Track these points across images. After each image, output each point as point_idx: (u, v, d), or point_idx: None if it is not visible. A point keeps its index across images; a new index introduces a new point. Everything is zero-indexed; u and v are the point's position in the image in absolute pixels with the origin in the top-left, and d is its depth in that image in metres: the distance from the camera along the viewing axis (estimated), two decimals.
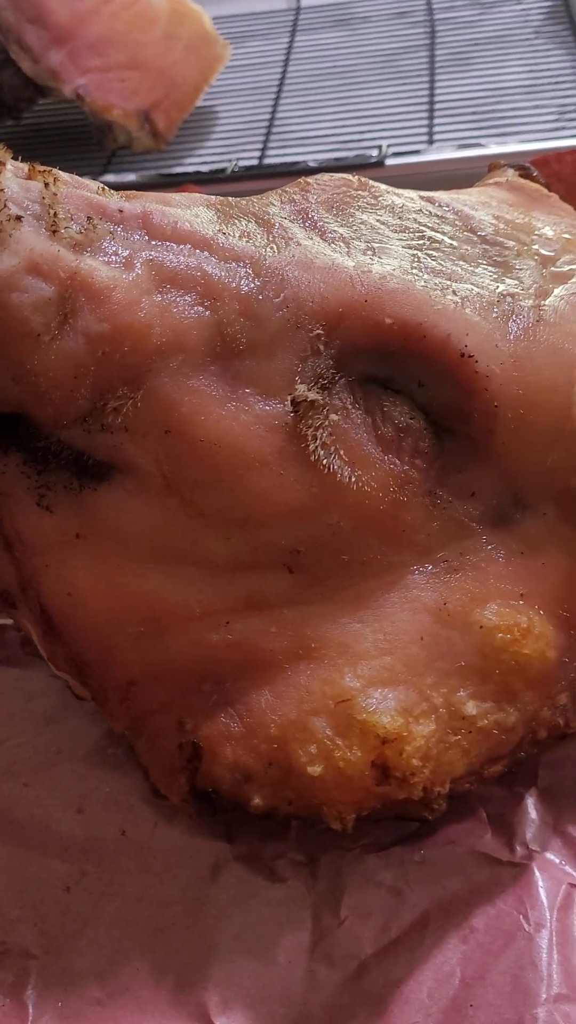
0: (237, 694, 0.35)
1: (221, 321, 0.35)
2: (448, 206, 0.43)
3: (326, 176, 0.42)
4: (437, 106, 0.90)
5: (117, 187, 0.78)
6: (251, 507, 0.34)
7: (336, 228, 0.39)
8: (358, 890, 0.37)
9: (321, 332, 0.35)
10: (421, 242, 0.40)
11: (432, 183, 0.75)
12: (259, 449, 0.34)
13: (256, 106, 0.97)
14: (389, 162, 0.72)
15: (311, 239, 0.38)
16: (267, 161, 0.85)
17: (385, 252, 0.38)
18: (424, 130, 0.87)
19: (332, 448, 0.35)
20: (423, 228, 0.41)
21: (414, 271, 0.37)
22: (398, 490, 0.35)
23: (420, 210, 0.42)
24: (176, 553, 0.35)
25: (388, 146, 0.74)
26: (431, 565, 0.36)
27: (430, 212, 0.42)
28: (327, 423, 0.35)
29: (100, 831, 0.40)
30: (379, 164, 0.72)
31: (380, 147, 0.73)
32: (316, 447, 0.34)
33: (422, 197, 0.43)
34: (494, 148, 0.72)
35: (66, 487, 0.35)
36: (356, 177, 0.43)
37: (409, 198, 0.43)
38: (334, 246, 0.38)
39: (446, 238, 0.41)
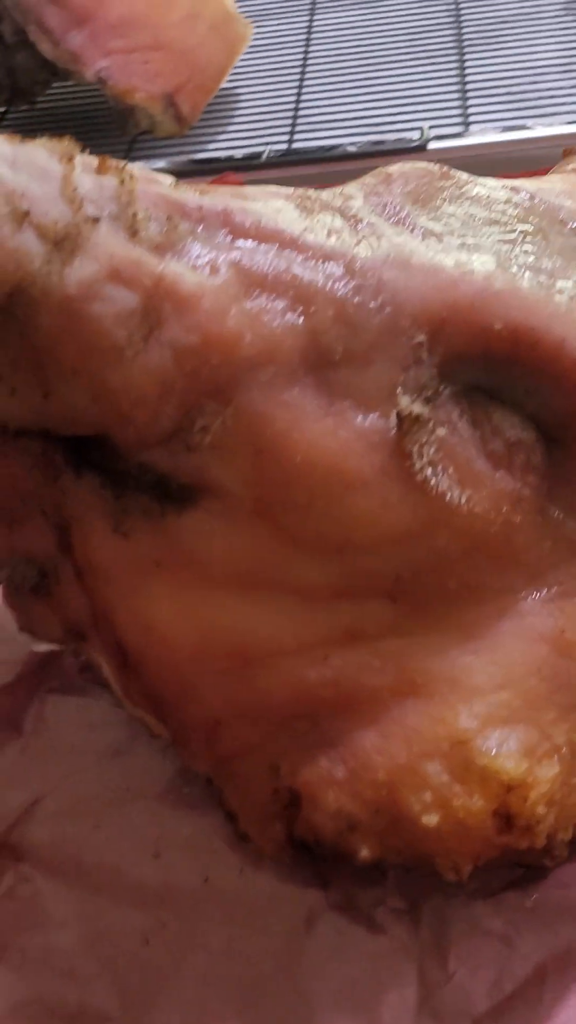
0: (337, 734, 0.32)
1: (315, 328, 0.31)
2: (535, 196, 0.40)
3: (408, 166, 0.39)
4: (469, 86, 0.87)
5: None
6: (351, 531, 0.31)
7: (426, 222, 0.36)
8: (466, 940, 0.34)
9: (423, 339, 0.32)
10: (514, 236, 0.37)
11: (475, 167, 0.72)
12: (359, 468, 0.31)
13: (279, 88, 0.94)
14: (432, 146, 0.69)
15: (401, 235, 0.35)
16: (296, 145, 0.82)
17: (480, 248, 0.35)
18: (458, 111, 0.83)
19: (440, 466, 0.32)
20: (513, 220, 0.38)
21: (514, 269, 0.34)
22: (511, 510, 0.32)
23: (508, 200, 0.39)
24: (267, 582, 0.32)
25: (429, 128, 0.71)
26: (544, 589, 0.33)
27: (517, 203, 0.39)
28: (433, 439, 0.32)
29: (180, 877, 0.37)
30: (421, 148, 0.68)
31: (421, 130, 0.70)
32: (422, 465, 0.31)
33: (506, 186, 0.40)
34: (540, 130, 0.68)
35: (146, 512, 0.32)
36: (438, 166, 0.39)
37: (494, 187, 0.40)
38: (427, 242, 0.35)
39: (538, 231, 0.37)
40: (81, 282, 0.29)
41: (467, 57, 0.91)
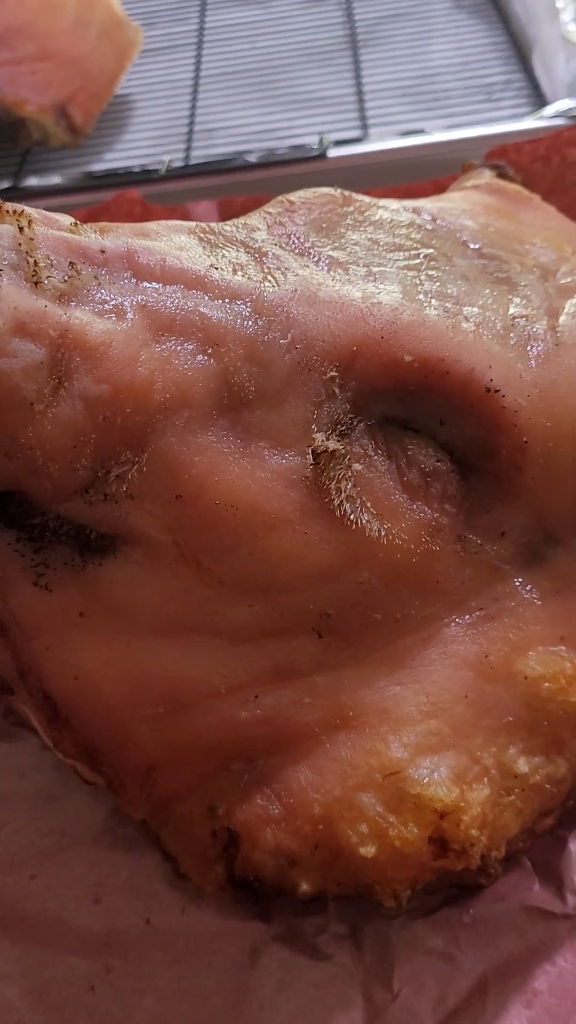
0: (272, 772, 0.32)
1: (227, 369, 0.31)
2: (436, 217, 0.40)
3: (309, 193, 0.39)
4: (365, 87, 0.87)
5: (41, 191, 0.73)
6: (275, 571, 0.32)
7: (330, 252, 0.36)
8: (408, 960, 0.35)
9: (335, 374, 0.32)
10: (418, 261, 0.37)
11: (376, 172, 0.73)
12: (279, 507, 0.31)
13: (174, 93, 0.92)
14: (331, 153, 0.69)
15: (307, 267, 0.35)
16: (194, 153, 0.81)
17: (386, 276, 0.35)
18: (355, 114, 0.83)
19: (358, 500, 0.32)
20: (417, 245, 0.38)
21: (421, 297, 0.35)
22: (430, 539, 0.33)
23: (410, 224, 0.39)
24: (194, 625, 0.32)
25: (327, 134, 0.71)
26: (467, 615, 0.34)
27: (420, 225, 0.39)
28: (350, 473, 0.32)
29: (122, 921, 0.36)
30: (321, 156, 0.68)
31: (321, 137, 0.70)
32: (341, 500, 0.32)
33: (407, 208, 0.41)
34: (439, 135, 0.69)
35: (66, 563, 0.32)
36: (339, 191, 0.40)
37: (395, 211, 0.40)
38: (333, 273, 0.35)
39: (442, 254, 0.38)
40: None
41: (362, 56, 0.91)
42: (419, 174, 0.70)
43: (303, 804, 0.32)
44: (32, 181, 0.73)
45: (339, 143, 0.71)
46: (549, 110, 0.69)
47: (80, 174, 0.72)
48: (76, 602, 0.32)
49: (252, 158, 0.69)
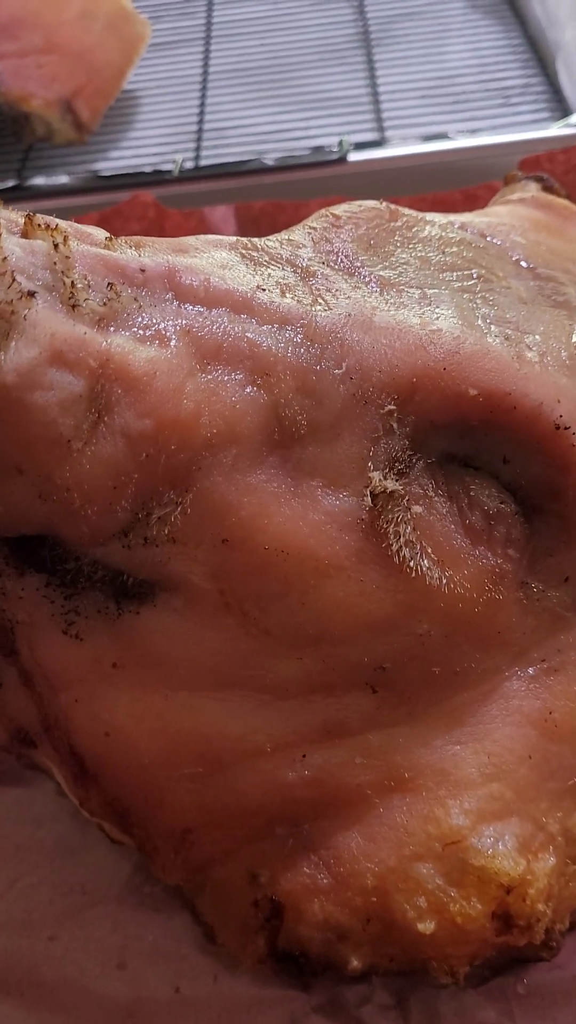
0: (320, 838, 0.30)
1: (277, 402, 0.29)
2: (486, 234, 0.38)
3: (355, 207, 0.36)
4: (381, 88, 0.85)
5: (48, 191, 0.70)
6: (327, 621, 0.29)
7: (381, 272, 0.33)
8: None
9: (393, 407, 0.30)
10: (472, 282, 0.35)
11: (398, 177, 0.70)
12: (333, 553, 0.29)
13: (181, 91, 0.89)
14: (352, 157, 0.66)
15: (358, 289, 0.32)
16: (204, 152, 0.78)
17: (441, 300, 0.33)
18: (370, 116, 0.81)
19: (418, 545, 0.29)
20: (470, 264, 0.36)
21: (480, 323, 0.32)
22: (493, 587, 0.30)
23: (460, 241, 0.37)
24: (237, 679, 0.30)
25: (346, 137, 0.68)
26: (529, 667, 0.31)
27: (469, 243, 0.37)
28: (409, 516, 0.29)
29: (149, 989, 0.34)
30: (341, 160, 0.66)
31: (340, 140, 0.67)
32: (400, 546, 0.29)
33: (455, 224, 0.38)
34: (463, 141, 0.67)
35: (100, 611, 0.29)
36: (385, 205, 0.37)
37: (444, 226, 0.38)
38: (386, 296, 0.32)
39: (495, 275, 0.36)
40: (20, 369, 0.25)
41: (375, 56, 0.89)
42: (442, 180, 0.68)
43: (355, 874, 0.29)
44: (39, 180, 0.70)
45: (359, 146, 0.68)
46: None
47: (88, 174, 0.69)
48: (109, 652, 0.29)
49: (269, 160, 0.66)
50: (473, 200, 0.58)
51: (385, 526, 0.29)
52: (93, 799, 0.31)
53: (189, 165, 0.70)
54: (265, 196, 0.68)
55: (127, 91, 0.86)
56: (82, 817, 0.38)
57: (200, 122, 0.83)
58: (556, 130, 0.66)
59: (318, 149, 0.68)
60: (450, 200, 0.58)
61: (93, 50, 0.81)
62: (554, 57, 0.78)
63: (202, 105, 0.85)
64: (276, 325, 0.30)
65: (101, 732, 0.30)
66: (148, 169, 0.68)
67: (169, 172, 0.66)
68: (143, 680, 0.30)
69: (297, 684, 0.30)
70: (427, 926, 0.28)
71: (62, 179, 0.68)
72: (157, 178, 0.67)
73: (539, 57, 0.85)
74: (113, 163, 0.79)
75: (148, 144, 0.82)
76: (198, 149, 0.79)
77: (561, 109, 0.79)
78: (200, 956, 0.34)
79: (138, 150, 0.82)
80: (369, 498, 0.29)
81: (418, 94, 0.84)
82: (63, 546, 0.28)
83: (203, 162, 0.74)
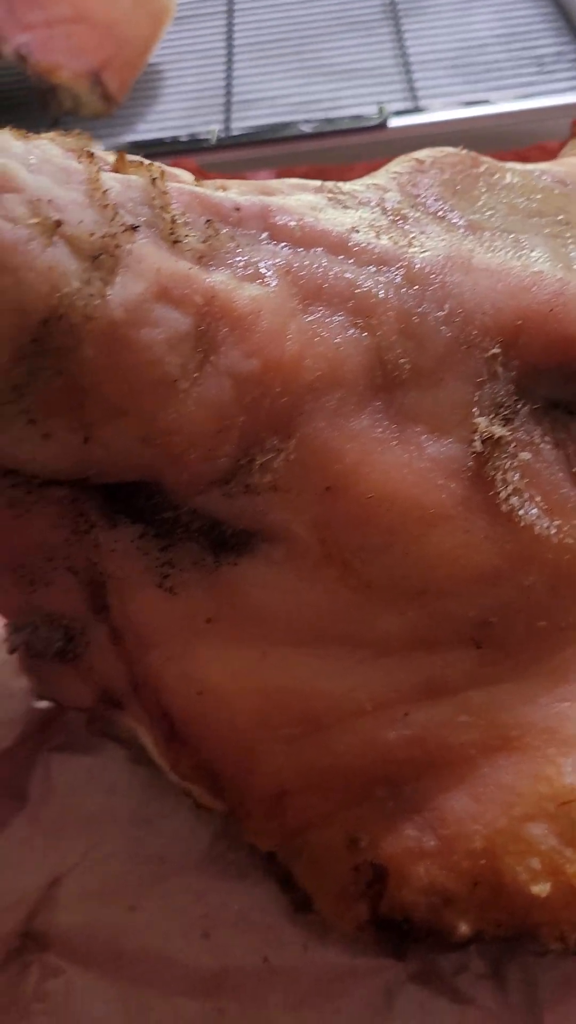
0: (422, 800, 0.29)
1: (380, 345, 0.28)
2: (567, 182, 0.37)
3: (437, 152, 0.35)
4: (411, 56, 0.83)
5: None
6: (432, 573, 0.28)
7: (470, 216, 0.32)
8: (560, 1002, 0.31)
9: (498, 351, 0.28)
10: (560, 228, 0.33)
11: (437, 144, 0.69)
12: (439, 502, 0.28)
13: (207, 62, 0.88)
14: (392, 123, 0.65)
15: (451, 232, 0.31)
16: (234, 124, 0.77)
17: (535, 244, 0.32)
18: (402, 86, 0.80)
19: (526, 494, 0.28)
20: (556, 211, 0.34)
21: None
22: None
23: (544, 188, 0.36)
24: (337, 635, 0.29)
25: (384, 104, 0.67)
26: None
27: (552, 190, 0.36)
28: (516, 463, 0.28)
29: (236, 959, 0.33)
30: (381, 126, 0.64)
31: (379, 107, 0.66)
32: (508, 494, 0.28)
33: (535, 172, 0.37)
34: (504, 106, 0.65)
35: (196, 563, 0.28)
36: (466, 152, 0.36)
37: (524, 174, 0.36)
38: (479, 239, 0.31)
39: None
40: (127, 304, 0.24)
41: (403, 26, 0.87)
42: (483, 146, 0.66)
43: (461, 836, 0.28)
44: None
45: (398, 113, 0.67)
46: None
47: (124, 143, 0.68)
48: (204, 607, 0.28)
49: (307, 127, 0.65)
50: (525, 162, 0.57)
51: (492, 473, 0.28)
52: (184, 762, 0.30)
53: (223, 134, 0.68)
54: (301, 164, 0.67)
55: (152, 63, 0.85)
56: (157, 785, 0.37)
57: (228, 93, 0.81)
58: None
59: (357, 116, 0.66)
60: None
61: (121, 22, 0.79)
62: None
63: (228, 76, 0.84)
64: (375, 266, 0.28)
65: (194, 691, 0.29)
66: (185, 137, 0.66)
67: (207, 140, 0.65)
68: (239, 636, 0.29)
69: (399, 640, 0.29)
70: (542, 888, 0.27)
71: (96, 149, 0.67)
72: (194, 146, 0.65)
73: (571, 24, 0.84)
74: (141, 136, 0.78)
75: (175, 116, 0.81)
76: (227, 120, 0.78)
77: None
78: (288, 925, 0.33)
79: (165, 123, 0.81)
80: (479, 443, 0.28)
81: (449, 63, 0.83)
82: (161, 494, 0.27)
83: (234, 132, 0.73)
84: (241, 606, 0.28)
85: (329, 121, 0.66)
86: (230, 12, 0.93)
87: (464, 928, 0.28)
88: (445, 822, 0.28)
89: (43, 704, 0.39)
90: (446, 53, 0.83)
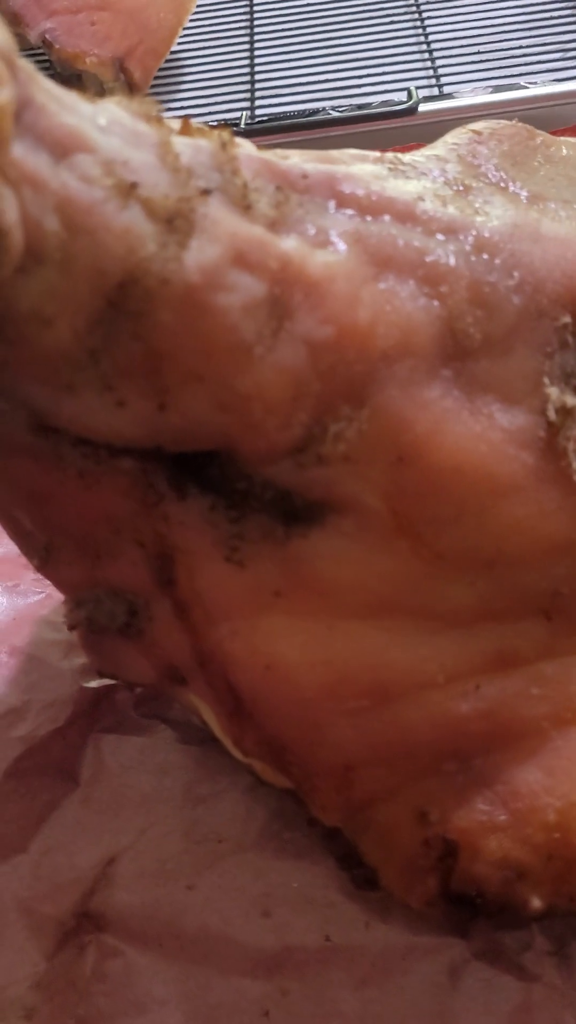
0: (493, 773, 0.29)
1: (450, 313, 0.27)
2: None
3: (495, 124, 0.35)
4: (433, 43, 0.83)
5: None
6: (504, 544, 0.28)
7: (532, 187, 0.32)
8: None
9: (569, 320, 0.28)
10: None
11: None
12: (511, 472, 0.27)
13: (229, 50, 0.88)
14: (422, 108, 0.64)
15: (515, 203, 0.31)
16: (259, 112, 0.77)
17: None
18: (427, 72, 0.79)
19: None
20: None
21: None
22: None
23: None
24: (407, 607, 0.28)
25: (415, 89, 0.67)
26: None
27: None
28: None
29: (297, 938, 0.33)
30: (411, 111, 0.64)
31: (409, 91, 0.65)
32: None
33: None
34: (535, 90, 0.65)
35: (266, 536, 0.28)
36: (522, 125, 0.35)
37: (574, 146, 0.36)
38: (543, 209, 0.31)
39: None
40: (204, 268, 0.24)
41: (424, 12, 0.87)
42: None
43: (535, 809, 0.28)
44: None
45: (429, 98, 0.67)
46: None
47: None
48: (273, 580, 0.28)
49: (336, 113, 0.65)
50: None
51: (564, 444, 0.28)
52: (248, 737, 0.30)
53: (251, 121, 0.68)
54: (331, 150, 0.66)
55: (175, 51, 0.85)
56: (211, 764, 0.37)
57: (252, 80, 0.81)
58: None
59: (387, 101, 0.66)
60: None
61: (145, 8, 0.79)
62: None
63: (251, 64, 0.83)
64: (443, 235, 0.28)
65: (261, 665, 0.29)
66: (214, 123, 0.66)
67: (236, 125, 0.65)
68: (307, 609, 0.28)
69: (470, 611, 0.28)
70: None
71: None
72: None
73: None
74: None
75: (200, 103, 0.81)
76: (252, 107, 0.77)
77: None
78: (349, 903, 0.33)
79: (190, 111, 0.80)
80: (552, 413, 0.27)
81: (472, 48, 0.82)
82: (234, 464, 0.27)
83: (259, 119, 0.72)
84: (310, 579, 0.28)
85: (360, 107, 0.65)
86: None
87: (537, 903, 0.28)
88: (518, 795, 0.28)
89: (92, 684, 0.39)
90: (469, 39, 0.83)
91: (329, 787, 0.30)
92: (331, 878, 0.33)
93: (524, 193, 0.31)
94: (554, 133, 0.57)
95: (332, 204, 0.28)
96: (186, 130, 0.27)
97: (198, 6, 0.89)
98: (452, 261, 0.28)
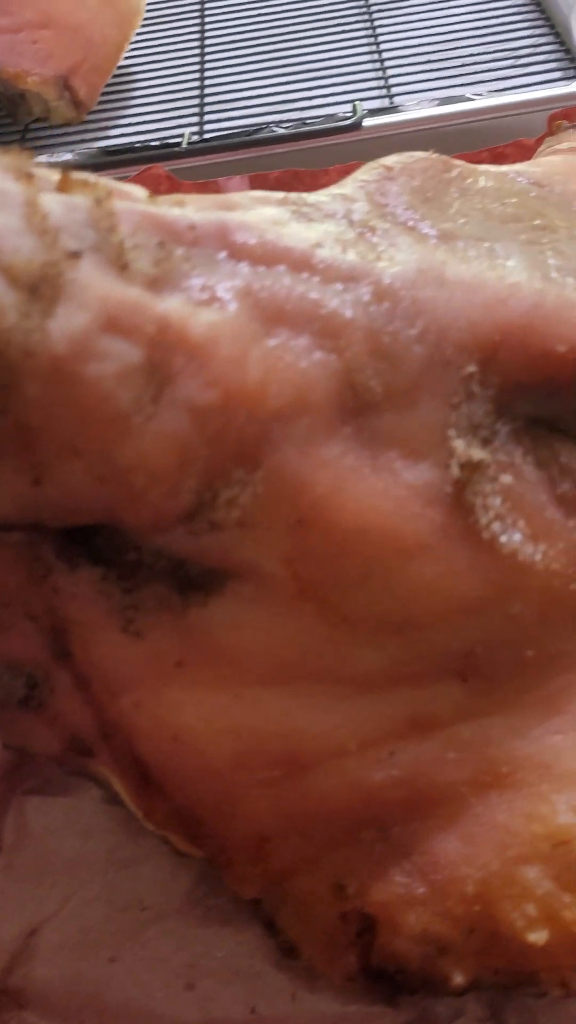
0: (411, 842, 0.27)
1: (349, 367, 0.26)
2: (543, 183, 0.35)
3: (406, 157, 0.34)
4: (384, 52, 0.81)
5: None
6: (413, 605, 0.26)
7: (443, 225, 0.31)
8: None
9: (475, 369, 0.27)
10: (539, 233, 0.32)
11: (415, 143, 0.67)
12: (418, 531, 0.26)
13: (179, 64, 0.86)
14: (367, 123, 0.63)
15: (423, 244, 0.29)
16: (208, 127, 0.75)
17: (511, 253, 0.30)
18: (378, 83, 0.78)
19: (508, 519, 0.27)
20: (533, 215, 0.33)
21: (555, 275, 0.29)
22: None
23: (520, 191, 0.34)
24: (315, 672, 0.27)
25: (359, 103, 0.66)
26: None
27: (528, 192, 0.34)
28: (497, 487, 0.27)
29: (222, 1010, 0.31)
30: (356, 126, 0.63)
31: (354, 105, 0.64)
32: (489, 520, 0.26)
33: (510, 175, 0.35)
34: (483, 101, 0.64)
35: (162, 605, 0.26)
36: (438, 156, 0.34)
37: (499, 176, 0.35)
38: (452, 250, 0.30)
39: (559, 225, 0.33)
40: (71, 337, 0.22)
41: (376, 21, 0.85)
42: (461, 144, 0.65)
43: (454, 881, 0.27)
44: (41, 158, 0.66)
45: (373, 112, 0.65)
46: None
47: (94, 150, 0.66)
48: (173, 649, 0.27)
49: (280, 129, 0.63)
50: (501, 159, 0.56)
51: (472, 499, 0.26)
52: (159, 809, 0.28)
53: (195, 139, 0.67)
54: (275, 167, 0.65)
55: (122, 66, 0.83)
56: (135, 826, 0.35)
57: (201, 95, 0.80)
58: None
59: (331, 116, 0.65)
60: (477, 160, 0.55)
61: (89, 24, 0.77)
62: (566, 16, 0.75)
63: (201, 78, 0.82)
64: (341, 283, 0.27)
65: (167, 737, 0.27)
66: (156, 142, 0.65)
67: (178, 144, 0.63)
68: (211, 678, 0.27)
69: (381, 675, 0.27)
70: (539, 936, 0.26)
71: (65, 156, 0.65)
72: (165, 151, 0.63)
73: (547, 17, 0.82)
74: (113, 141, 0.76)
75: (148, 120, 0.79)
76: (201, 123, 0.76)
77: (573, 69, 0.76)
78: (276, 972, 0.32)
79: (138, 127, 0.79)
80: (456, 468, 0.26)
81: (423, 58, 0.81)
82: (122, 535, 0.25)
83: (207, 135, 0.71)
84: (212, 648, 0.27)
85: (302, 123, 0.64)
86: (202, 11, 0.91)
87: (460, 978, 0.27)
88: (436, 866, 0.27)
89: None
90: (421, 48, 0.81)
91: (244, 859, 0.28)
92: (257, 946, 0.32)
93: (434, 232, 0.30)
94: (499, 148, 0.56)
95: (223, 255, 0.26)
96: (64, 185, 0.26)
97: (147, 19, 0.87)
98: (350, 312, 0.26)
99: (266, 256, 0.27)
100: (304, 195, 0.31)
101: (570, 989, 0.27)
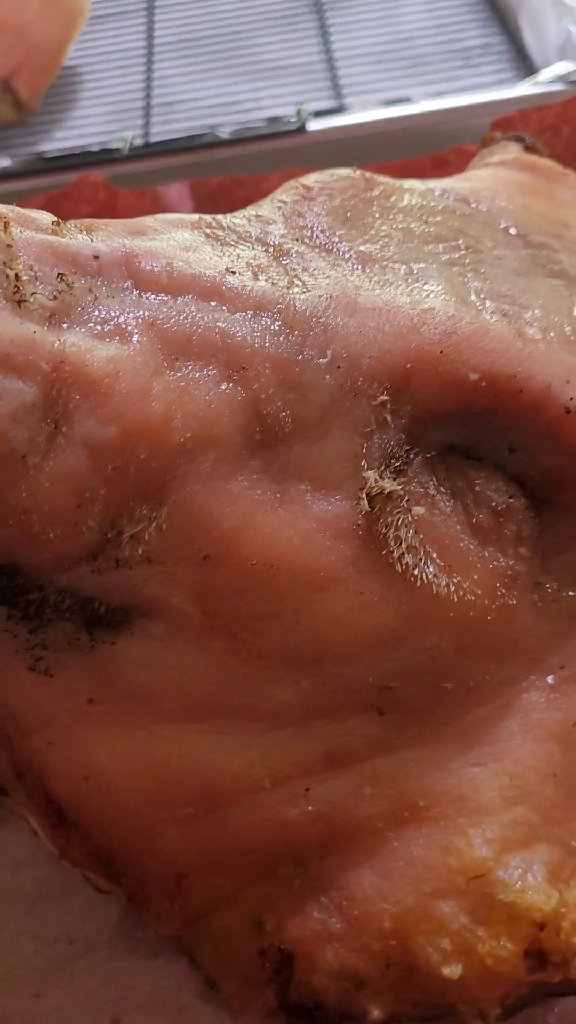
0: (329, 877, 0.27)
1: (257, 398, 0.26)
2: (470, 200, 0.35)
3: (326, 176, 0.33)
4: (335, 52, 0.81)
5: None
6: (325, 640, 0.26)
7: (361, 247, 0.30)
8: None
9: (386, 397, 0.27)
10: (461, 254, 0.32)
11: (361, 146, 0.67)
12: (328, 564, 0.26)
13: (126, 64, 0.85)
14: (311, 126, 0.62)
15: (338, 267, 0.29)
16: (154, 129, 0.74)
17: (429, 275, 0.30)
18: (327, 83, 0.77)
19: (421, 551, 0.26)
20: (456, 234, 0.32)
21: (473, 298, 0.29)
22: (505, 592, 0.27)
23: (444, 209, 0.34)
24: (228, 708, 0.27)
25: (304, 106, 0.65)
26: (548, 675, 0.28)
27: (454, 211, 0.34)
28: (410, 518, 0.26)
29: None
30: (300, 130, 0.62)
31: (298, 109, 0.63)
32: (401, 552, 0.26)
33: (435, 192, 0.35)
34: (428, 104, 0.63)
35: (71, 643, 0.26)
36: (360, 173, 0.34)
37: (424, 194, 0.34)
38: (369, 273, 0.29)
39: (484, 244, 0.33)
40: None
41: (328, 20, 0.85)
42: (407, 147, 0.64)
43: (370, 916, 0.27)
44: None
45: (318, 115, 0.65)
46: (545, 74, 0.63)
47: (32, 155, 0.65)
48: (84, 688, 0.26)
49: (223, 133, 0.63)
50: (443, 165, 0.55)
51: (384, 531, 0.26)
52: (74, 848, 0.28)
53: (139, 142, 0.66)
54: (220, 171, 0.64)
55: (68, 67, 0.82)
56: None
57: (147, 97, 0.79)
58: (526, 88, 0.62)
59: (275, 119, 0.64)
60: (419, 166, 0.55)
61: (31, 25, 0.76)
62: (516, 15, 0.75)
63: (148, 79, 0.81)
64: (250, 312, 0.26)
65: (79, 775, 0.27)
66: (95, 148, 0.64)
67: (118, 150, 0.62)
68: (123, 716, 0.27)
69: (295, 710, 0.27)
70: (453, 970, 0.26)
71: (3, 162, 0.64)
72: (105, 157, 0.62)
73: (499, 15, 0.82)
74: (58, 144, 0.75)
75: (94, 122, 0.78)
76: (147, 125, 0.75)
77: (524, 68, 0.75)
78: (202, 1005, 0.31)
79: (83, 129, 0.78)
80: (365, 501, 0.26)
81: (374, 58, 0.80)
82: (23, 575, 0.25)
83: (153, 138, 0.70)
84: (123, 685, 0.26)
85: (245, 127, 0.63)
86: (150, 10, 0.90)
87: (377, 1012, 0.27)
88: (353, 901, 0.27)
89: None
90: (372, 47, 0.81)
91: (162, 897, 0.28)
92: (185, 979, 0.32)
93: (351, 254, 0.30)
94: (440, 154, 0.55)
95: (128, 284, 0.26)
96: None
97: (94, 17, 0.86)
98: (258, 341, 0.26)
99: (172, 285, 0.26)
100: (219, 217, 0.30)
101: (488, 1020, 0.27)
